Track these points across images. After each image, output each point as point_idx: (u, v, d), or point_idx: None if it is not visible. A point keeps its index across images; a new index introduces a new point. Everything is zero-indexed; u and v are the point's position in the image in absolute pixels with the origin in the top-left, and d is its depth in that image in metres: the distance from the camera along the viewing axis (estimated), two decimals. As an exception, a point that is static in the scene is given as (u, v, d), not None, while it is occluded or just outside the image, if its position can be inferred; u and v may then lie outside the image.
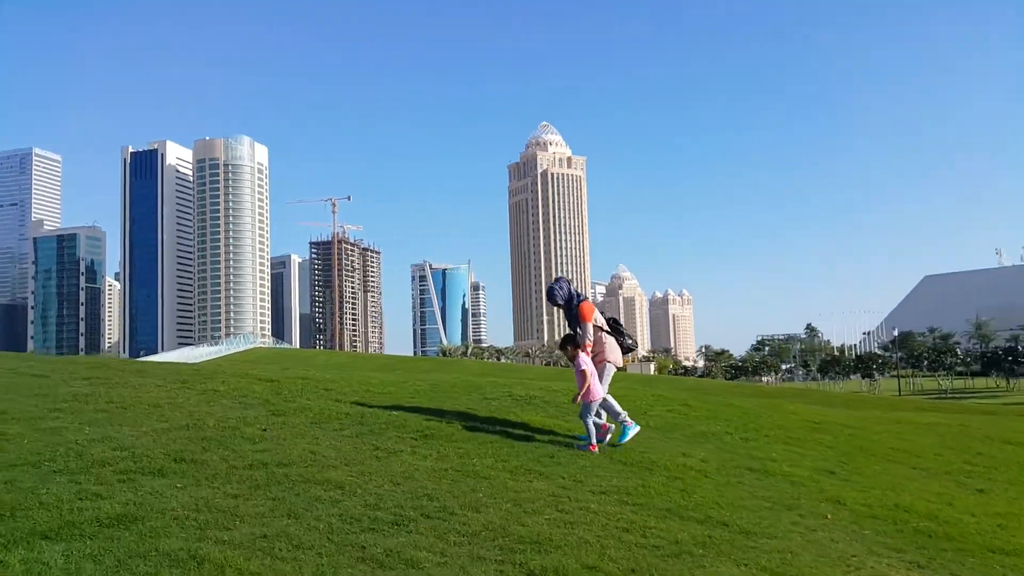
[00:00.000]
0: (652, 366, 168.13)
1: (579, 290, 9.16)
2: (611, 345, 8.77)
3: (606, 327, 8.87)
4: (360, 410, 8.90)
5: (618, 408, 8.60)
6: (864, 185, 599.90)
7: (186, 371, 11.29)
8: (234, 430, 7.16)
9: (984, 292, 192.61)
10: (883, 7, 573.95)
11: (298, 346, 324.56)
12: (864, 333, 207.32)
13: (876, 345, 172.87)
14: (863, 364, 75.74)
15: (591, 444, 8.03)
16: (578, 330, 8.75)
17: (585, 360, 8.26)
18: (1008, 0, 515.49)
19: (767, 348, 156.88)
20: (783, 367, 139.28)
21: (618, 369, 9.18)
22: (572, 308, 8.88)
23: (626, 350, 9.05)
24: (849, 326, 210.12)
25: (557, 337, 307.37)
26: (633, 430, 8.58)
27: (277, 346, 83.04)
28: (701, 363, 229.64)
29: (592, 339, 8.65)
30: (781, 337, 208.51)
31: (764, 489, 7.40)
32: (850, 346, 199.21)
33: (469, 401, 11.03)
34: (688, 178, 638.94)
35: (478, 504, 5.65)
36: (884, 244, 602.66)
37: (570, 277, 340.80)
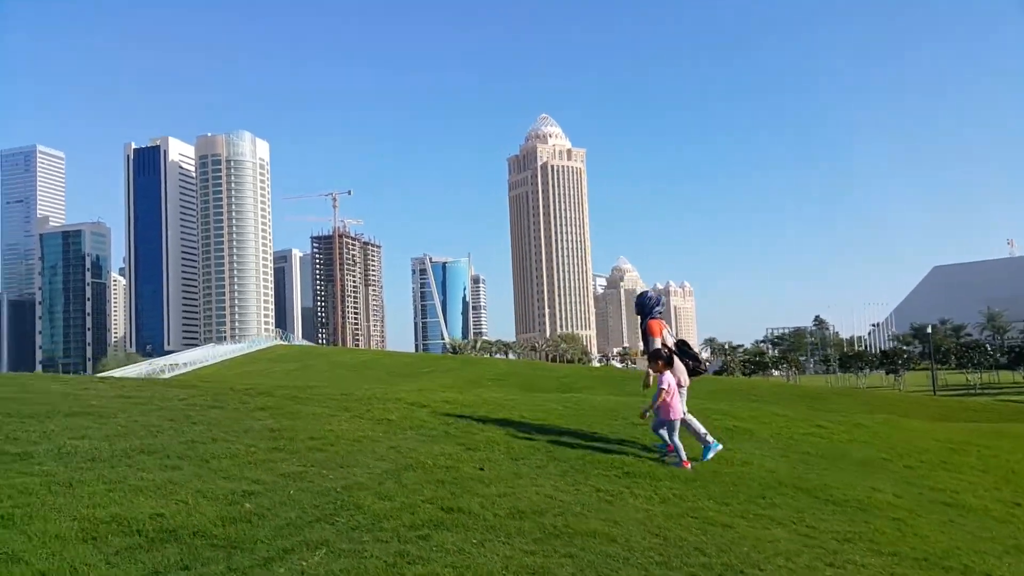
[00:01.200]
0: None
1: (659, 307, 9.33)
2: (677, 366, 8.85)
3: (672, 348, 8.97)
4: (543, 444, 8.82)
5: (700, 428, 8.81)
6: (869, 175, 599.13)
7: (334, 395, 11.18)
8: (454, 469, 7.09)
9: (995, 282, 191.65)
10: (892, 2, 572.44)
11: (294, 339, 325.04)
12: (872, 325, 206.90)
13: (888, 337, 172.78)
14: (888, 359, 75.56)
15: (683, 461, 8.28)
16: (648, 344, 8.99)
17: (667, 378, 8.40)
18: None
19: (784, 342, 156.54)
20: (802, 361, 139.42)
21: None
22: (643, 322, 9.16)
23: (692, 372, 9.10)
24: (857, 318, 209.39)
25: (560, 330, 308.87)
26: (715, 448, 8.77)
27: (298, 343, 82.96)
28: (706, 355, 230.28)
29: (661, 354, 8.75)
30: (788, 330, 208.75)
31: (979, 528, 7.35)
32: (858, 338, 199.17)
33: (615, 425, 10.95)
34: (689, 169, 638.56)
35: (753, 561, 5.59)
36: (891, 234, 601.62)
37: (570, 269, 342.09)
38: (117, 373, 61.67)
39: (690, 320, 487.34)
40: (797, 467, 9.12)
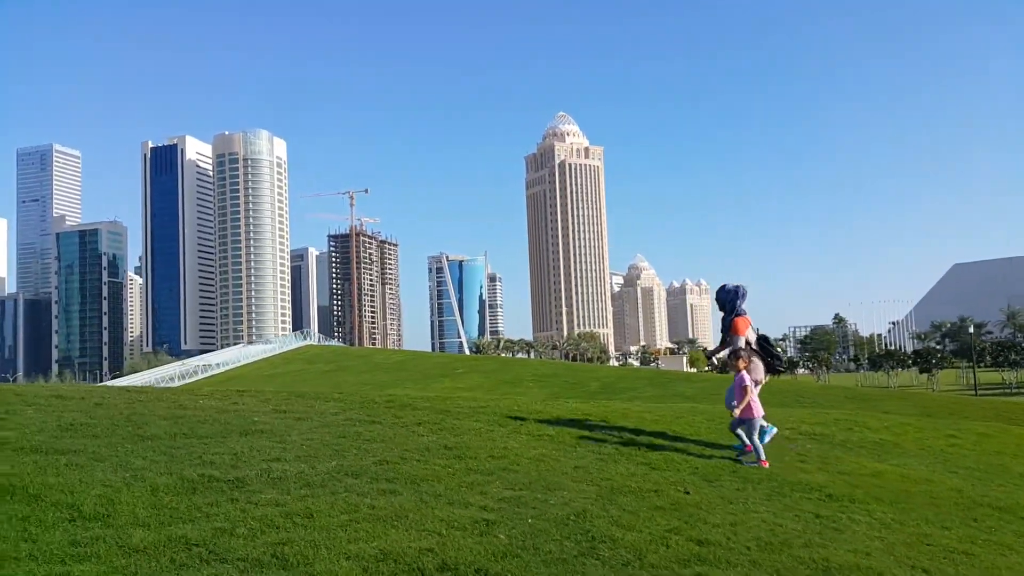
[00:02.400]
0: (684, 359, 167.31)
1: (742, 300, 9.14)
2: (755, 364, 8.77)
3: (754, 345, 8.93)
4: (720, 462, 8.46)
5: (764, 423, 8.77)
6: (889, 173, 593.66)
7: (475, 406, 10.83)
8: (662, 493, 6.73)
9: (1015, 280, 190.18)
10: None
11: (317, 339, 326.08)
12: (891, 322, 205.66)
13: (909, 334, 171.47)
14: (921, 358, 74.67)
15: (762, 460, 8.21)
16: (727, 340, 8.97)
17: (746, 376, 8.33)
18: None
19: (811, 341, 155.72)
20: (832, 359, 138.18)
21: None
22: (728, 318, 9.00)
23: (771, 370, 9.02)
24: (876, 315, 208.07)
25: (578, 329, 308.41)
26: (771, 432, 8.82)
27: (327, 343, 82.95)
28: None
29: (740, 349, 8.77)
30: (808, 328, 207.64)
31: None
32: (878, 335, 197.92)
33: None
34: (706, 167, 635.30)
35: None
36: (909, 232, 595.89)
37: (587, 267, 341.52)
38: (148, 375, 61.81)
39: (706, 318, 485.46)
40: (975, 484, 8.74)
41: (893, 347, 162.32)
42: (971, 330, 77.65)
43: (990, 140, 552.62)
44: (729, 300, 9.04)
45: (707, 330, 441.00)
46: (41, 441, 6.58)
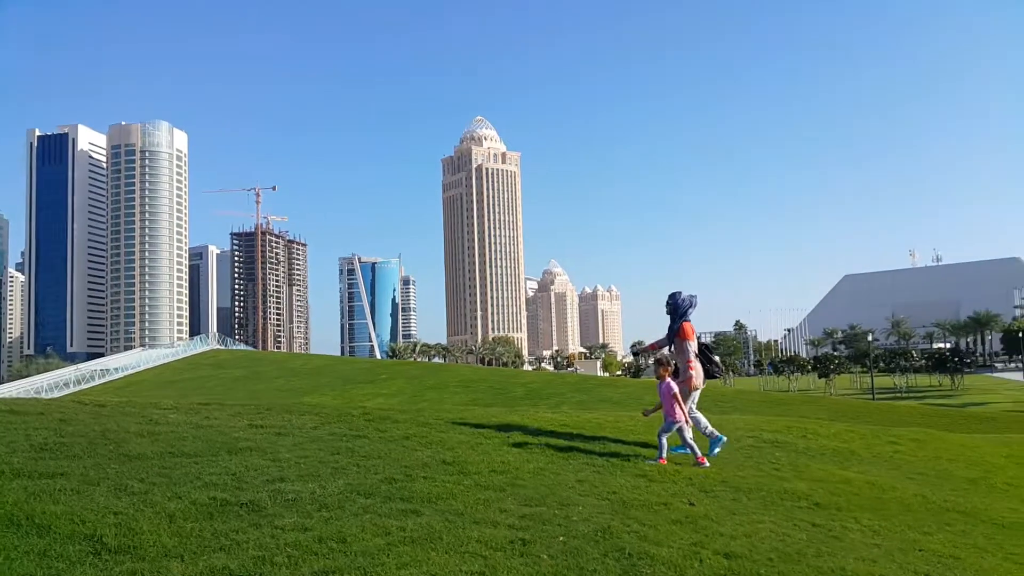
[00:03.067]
0: (598, 364, 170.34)
1: (692, 309, 9.49)
2: (699, 371, 9.11)
3: (697, 351, 9.24)
4: (717, 472, 8.62)
5: (705, 422, 9.21)
6: (787, 186, 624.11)
7: (398, 415, 10.52)
8: (670, 507, 6.77)
9: (899, 291, 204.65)
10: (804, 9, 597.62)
11: (224, 343, 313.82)
12: (786, 329, 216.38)
13: (803, 341, 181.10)
14: (821, 364, 79.42)
15: (661, 459, 8.50)
16: (671, 347, 9.24)
17: (673, 384, 8.66)
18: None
19: (719, 347, 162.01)
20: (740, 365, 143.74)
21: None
22: (677, 323, 9.22)
23: (709, 376, 9.38)
24: (773, 323, 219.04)
25: (492, 333, 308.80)
26: (721, 442, 9.17)
27: (234, 348, 79.75)
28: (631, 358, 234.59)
29: (693, 357, 9.03)
30: (712, 334, 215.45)
31: None
32: (774, 341, 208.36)
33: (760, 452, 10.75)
34: (619, 176, 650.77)
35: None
36: (804, 244, 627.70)
37: (503, 271, 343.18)
38: (40, 380, 57.94)
39: (615, 323, 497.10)
40: (934, 490, 9.23)
41: (789, 353, 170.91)
42: (869, 338, 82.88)
43: (877, 157, 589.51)
44: (682, 307, 9.27)
45: (617, 335, 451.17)
46: (19, 463, 6.05)
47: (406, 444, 8.28)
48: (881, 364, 72.90)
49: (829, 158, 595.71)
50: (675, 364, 9.16)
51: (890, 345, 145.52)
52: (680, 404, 8.58)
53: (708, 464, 8.58)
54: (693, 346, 9.11)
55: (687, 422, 8.60)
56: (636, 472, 8.09)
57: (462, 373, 53.59)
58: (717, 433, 9.22)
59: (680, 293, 9.43)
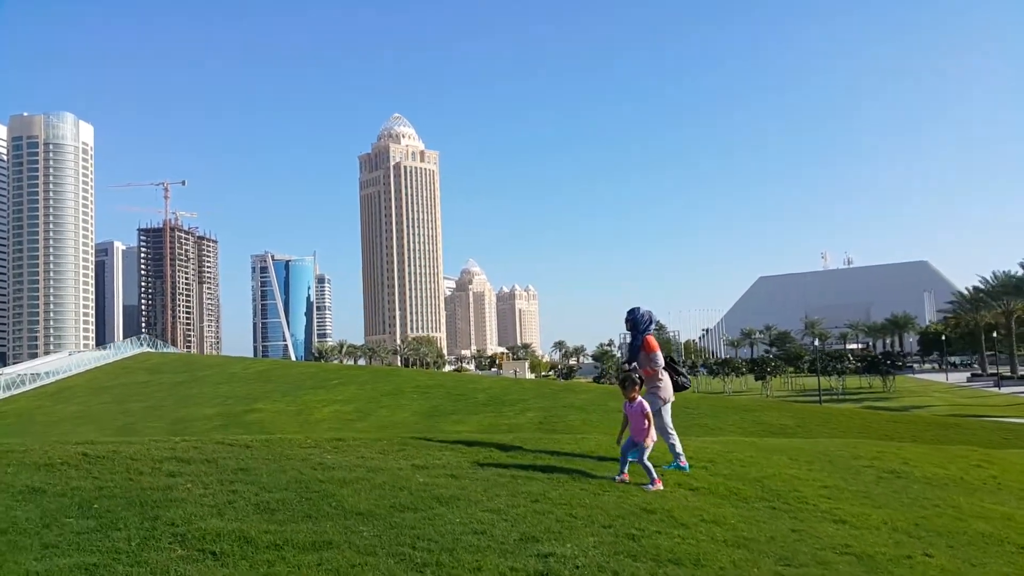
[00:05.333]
0: (525, 365, 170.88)
1: (653, 325, 9.63)
2: (668, 382, 9.10)
3: (664, 363, 9.19)
4: (855, 501, 8.57)
5: (679, 449, 9.10)
6: (702, 187, 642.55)
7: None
8: (908, 559, 6.36)
9: (812, 292, 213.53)
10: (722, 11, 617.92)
11: (122, 340, 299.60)
12: (704, 329, 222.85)
13: (722, 341, 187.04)
14: (757, 366, 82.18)
15: (656, 479, 8.13)
16: (636, 363, 9.10)
17: (646, 403, 8.36)
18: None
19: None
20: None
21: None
22: (637, 338, 9.25)
23: (678, 388, 9.33)
24: (690, 323, 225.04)
25: (411, 332, 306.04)
26: (684, 470, 9.02)
27: (165, 351, 76.12)
28: (554, 358, 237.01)
29: (661, 368, 9.01)
30: (628, 335, 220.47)
31: None
32: (694, 341, 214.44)
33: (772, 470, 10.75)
34: (538, 176, 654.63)
35: None
36: (720, 246, 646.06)
37: (422, 271, 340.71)
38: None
39: (533, 323, 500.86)
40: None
41: (707, 353, 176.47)
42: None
43: (790, 158, 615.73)
44: (643, 322, 9.25)
45: (535, 335, 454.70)
46: (259, 528, 5.48)
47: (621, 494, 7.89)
48: (816, 366, 76.49)
49: (741, 159, 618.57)
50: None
51: (807, 345, 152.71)
52: (652, 425, 8.27)
53: (660, 487, 8.05)
54: (660, 358, 9.07)
55: (649, 444, 8.23)
56: (761, 499, 7.96)
57: (416, 379, 52.75)
58: (685, 461, 9.09)
59: (638, 308, 9.37)
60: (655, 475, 8.12)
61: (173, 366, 59.74)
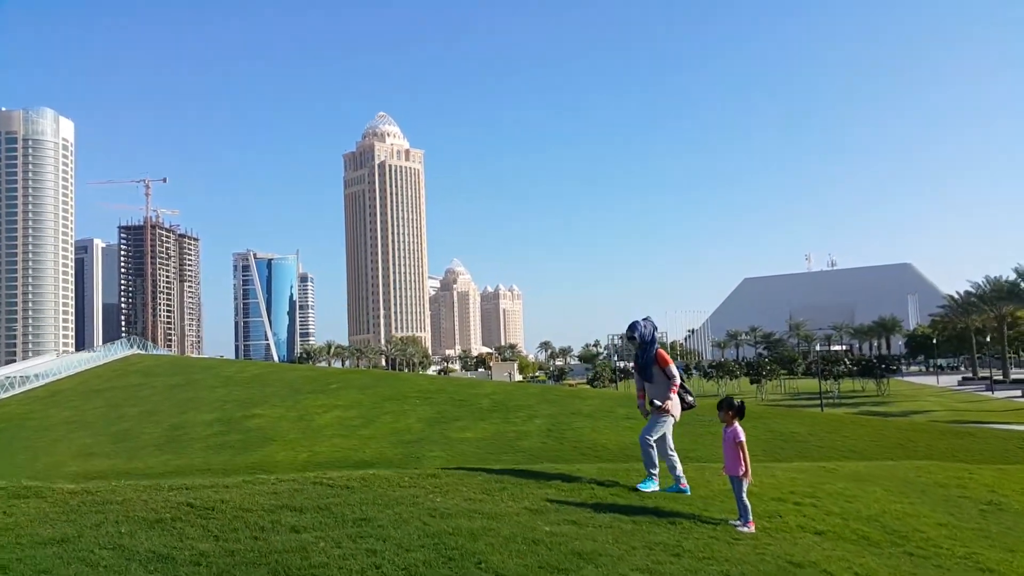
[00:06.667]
0: (514, 366, 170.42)
1: (658, 337, 9.41)
2: (676, 400, 8.88)
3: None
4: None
5: (655, 461, 8.87)
6: (687, 187, 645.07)
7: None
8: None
9: (797, 294, 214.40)
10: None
11: (101, 339, 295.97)
12: (689, 331, 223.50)
13: (710, 343, 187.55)
14: (753, 370, 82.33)
15: (749, 521, 7.66)
16: (656, 373, 8.86)
17: (740, 431, 7.82)
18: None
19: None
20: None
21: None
22: (649, 352, 8.93)
23: (685, 406, 9.11)
24: (675, 324, 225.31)
25: (395, 332, 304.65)
26: (686, 492, 8.86)
27: (156, 352, 74.74)
28: (540, 359, 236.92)
29: (677, 383, 8.76)
30: (618, 336, 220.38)
31: None
32: (679, 342, 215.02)
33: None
34: (522, 175, 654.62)
35: None
36: (705, 246, 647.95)
37: (406, 270, 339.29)
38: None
39: (517, 322, 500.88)
40: None
41: (696, 354, 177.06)
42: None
43: (775, 160, 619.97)
44: (648, 335, 8.95)
45: (519, 335, 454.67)
46: None
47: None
48: (811, 368, 76.71)
49: (726, 159, 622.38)
50: (647, 393, 8.91)
51: (793, 347, 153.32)
52: (746, 455, 7.77)
53: (752, 529, 7.53)
54: (675, 372, 8.78)
55: (748, 476, 7.77)
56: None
57: (418, 383, 52.05)
58: (685, 483, 8.90)
59: (638, 322, 9.01)
60: (750, 515, 7.69)
61: (166, 368, 58.58)
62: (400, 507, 7.60)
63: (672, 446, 8.97)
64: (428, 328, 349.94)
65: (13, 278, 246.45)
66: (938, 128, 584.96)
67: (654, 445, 8.87)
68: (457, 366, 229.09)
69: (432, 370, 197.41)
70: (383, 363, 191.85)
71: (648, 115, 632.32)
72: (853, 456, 21.18)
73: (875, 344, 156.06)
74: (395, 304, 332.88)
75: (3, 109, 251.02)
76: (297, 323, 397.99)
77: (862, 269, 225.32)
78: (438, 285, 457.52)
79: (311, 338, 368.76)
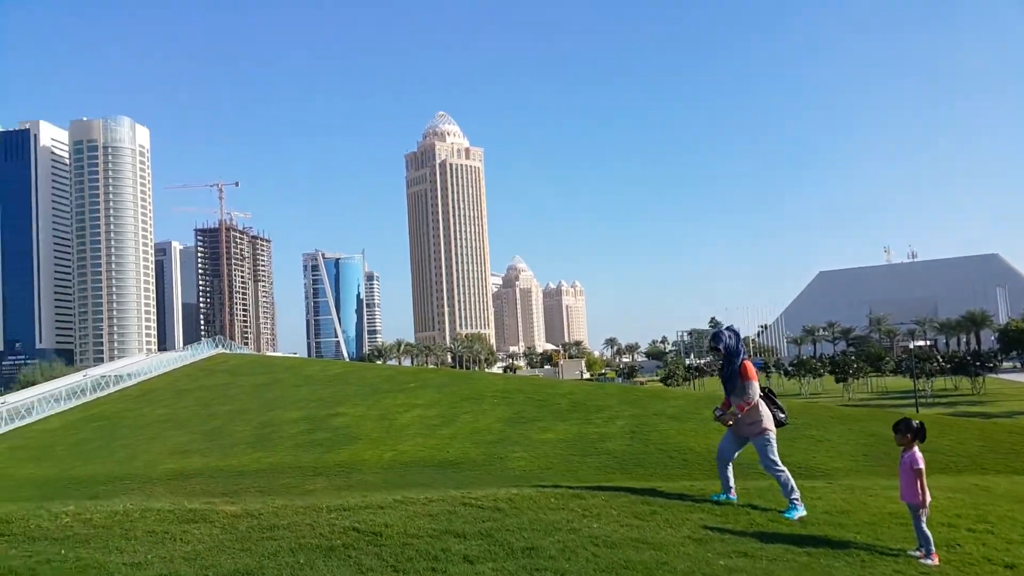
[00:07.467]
0: (582, 363, 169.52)
1: (744, 347, 8.79)
2: (767, 413, 8.40)
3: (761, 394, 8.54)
4: None
5: (793, 484, 8.45)
6: (756, 180, 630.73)
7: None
8: None
9: (875, 288, 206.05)
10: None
11: (182, 338, 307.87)
12: (761, 326, 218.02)
13: (784, 339, 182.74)
14: (839, 368, 78.76)
15: (932, 553, 7.16)
16: (738, 388, 8.39)
17: (919, 456, 7.27)
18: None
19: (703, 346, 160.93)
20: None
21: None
22: (734, 364, 8.43)
23: (778, 423, 8.60)
24: (746, 319, 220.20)
25: (460, 329, 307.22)
26: (800, 512, 8.33)
27: (239, 352, 77.26)
28: (606, 355, 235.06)
29: (756, 400, 8.33)
30: (686, 332, 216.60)
31: None
32: (751, 339, 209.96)
33: None
34: (582, 170, 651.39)
35: None
36: (776, 240, 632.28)
37: (469, 267, 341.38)
38: (56, 387, 55.08)
39: (580, 319, 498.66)
40: None
41: (767, 350, 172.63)
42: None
43: (851, 153, 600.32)
44: (732, 345, 8.45)
45: (583, 331, 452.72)
46: None
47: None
48: (903, 366, 73.33)
49: (801, 153, 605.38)
50: (732, 412, 8.47)
51: (877, 342, 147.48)
52: (924, 483, 7.26)
53: (936, 562, 6.97)
54: (755, 388, 8.30)
55: (926, 506, 7.24)
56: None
57: (493, 382, 52.10)
58: (801, 505, 8.36)
59: (722, 332, 8.58)
60: (932, 546, 7.17)
61: (251, 368, 60.30)
62: (560, 534, 7.37)
63: (735, 459, 8.80)
64: (492, 325, 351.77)
65: (98, 281, 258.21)
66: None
67: (783, 468, 8.36)
68: (522, 363, 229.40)
69: (498, 367, 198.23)
70: (449, 360, 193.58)
71: (716, 105, 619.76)
72: (973, 468, 20.00)
73: (963, 339, 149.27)
74: (459, 301, 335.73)
75: (84, 118, 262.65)
76: (364, 320, 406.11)
77: (945, 260, 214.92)
78: (500, 282, 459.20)
79: (378, 335, 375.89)
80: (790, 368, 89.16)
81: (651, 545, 7.10)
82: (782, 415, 8.60)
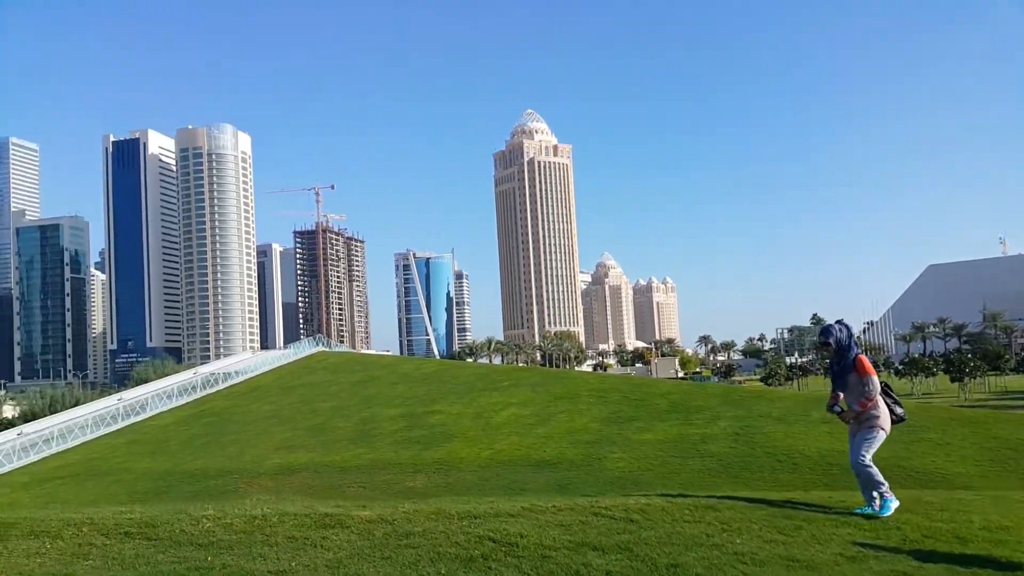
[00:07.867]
0: (675, 361, 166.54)
1: (858, 340, 8.33)
2: (885, 410, 7.92)
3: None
4: None
5: (881, 478, 7.99)
6: (860, 175, 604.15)
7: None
8: None
9: (990, 281, 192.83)
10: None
11: (282, 336, 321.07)
12: (867, 322, 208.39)
13: (892, 336, 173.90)
14: (953, 366, 73.70)
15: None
16: (851, 383, 7.96)
17: None
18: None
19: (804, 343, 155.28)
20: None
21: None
22: (847, 358, 7.97)
23: (896, 420, 8.12)
24: (850, 315, 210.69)
25: (549, 327, 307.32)
26: (894, 503, 8.03)
27: (337, 349, 79.99)
28: (699, 353, 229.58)
29: (877, 397, 7.87)
30: (786, 329, 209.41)
31: None
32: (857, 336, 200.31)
33: None
34: (673, 164, 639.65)
35: None
36: (882, 233, 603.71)
37: (557, 265, 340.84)
38: (169, 384, 58.28)
39: (671, 316, 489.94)
40: None
41: (874, 348, 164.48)
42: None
43: (965, 142, 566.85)
44: (845, 340, 7.97)
45: (674, 328, 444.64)
46: None
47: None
48: (1012, 362, 68.19)
49: (907, 145, 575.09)
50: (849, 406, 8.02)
51: (996, 338, 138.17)
52: None
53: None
54: (876, 383, 7.83)
55: None
56: None
57: (589, 381, 51.60)
58: (891, 494, 8.00)
59: (832, 327, 8.08)
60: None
61: (350, 365, 62.05)
62: (702, 549, 6.98)
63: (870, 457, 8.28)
64: (581, 323, 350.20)
65: (204, 282, 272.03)
66: None
67: (872, 464, 7.98)
68: (612, 361, 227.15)
69: (587, 365, 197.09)
70: (538, 358, 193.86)
71: (819, 93, 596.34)
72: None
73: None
74: (547, 299, 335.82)
75: (190, 127, 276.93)
76: (454, 319, 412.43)
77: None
78: (589, 279, 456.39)
79: (468, 333, 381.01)
80: (900, 367, 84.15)
81: (802, 564, 6.63)
82: (900, 410, 8.17)
